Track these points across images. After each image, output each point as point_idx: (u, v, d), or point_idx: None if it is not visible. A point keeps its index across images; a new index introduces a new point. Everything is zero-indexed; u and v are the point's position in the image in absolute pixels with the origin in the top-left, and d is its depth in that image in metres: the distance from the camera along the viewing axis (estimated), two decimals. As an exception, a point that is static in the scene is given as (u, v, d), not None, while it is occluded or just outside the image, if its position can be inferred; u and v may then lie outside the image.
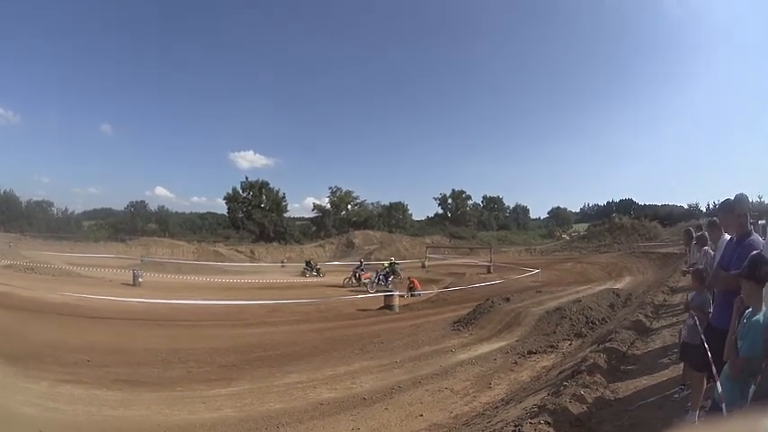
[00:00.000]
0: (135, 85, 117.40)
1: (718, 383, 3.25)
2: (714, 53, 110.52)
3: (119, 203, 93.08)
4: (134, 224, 75.31)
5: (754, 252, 3.45)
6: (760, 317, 3.05)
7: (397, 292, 21.57)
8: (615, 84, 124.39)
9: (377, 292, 24.38)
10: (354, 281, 29.10)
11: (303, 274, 36.74)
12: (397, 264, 30.15)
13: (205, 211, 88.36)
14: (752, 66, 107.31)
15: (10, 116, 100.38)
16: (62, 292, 17.96)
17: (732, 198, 4.34)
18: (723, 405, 3.06)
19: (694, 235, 9.20)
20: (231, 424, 7.07)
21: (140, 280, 25.07)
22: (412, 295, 23.75)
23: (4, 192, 69.62)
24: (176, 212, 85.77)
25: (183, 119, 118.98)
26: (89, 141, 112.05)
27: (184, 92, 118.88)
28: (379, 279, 27.75)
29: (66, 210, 78.21)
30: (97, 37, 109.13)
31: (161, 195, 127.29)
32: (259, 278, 33.52)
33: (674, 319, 9.73)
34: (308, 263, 39.65)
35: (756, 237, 4.11)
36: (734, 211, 4.23)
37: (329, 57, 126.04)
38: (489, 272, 35.67)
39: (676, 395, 5.21)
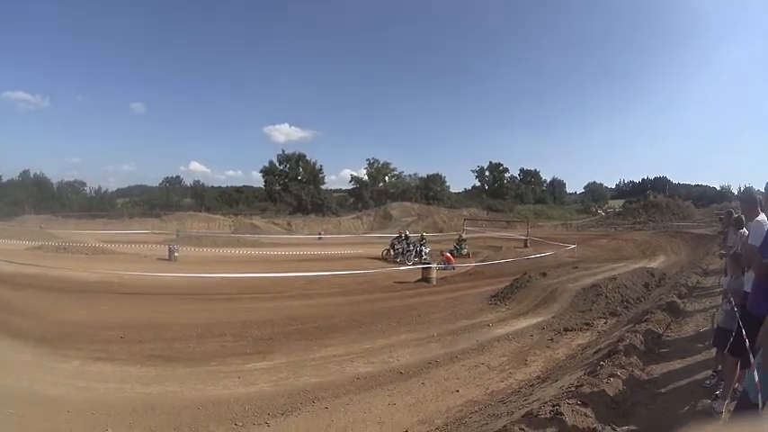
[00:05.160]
0: (165, 61, 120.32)
1: (755, 373, 3.20)
2: (753, 34, 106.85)
3: (153, 180, 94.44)
4: (169, 199, 76.60)
5: None
6: None
7: (435, 265, 21.76)
8: (652, 62, 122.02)
9: (414, 264, 24.61)
10: (393, 253, 29.29)
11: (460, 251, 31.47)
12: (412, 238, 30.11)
13: (241, 185, 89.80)
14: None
15: (38, 101, 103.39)
16: (95, 270, 18.22)
17: None
18: (759, 396, 3.03)
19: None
20: (266, 399, 7.05)
21: (176, 255, 25.51)
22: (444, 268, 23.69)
23: (35, 175, 72.04)
24: (212, 187, 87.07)
25: (216, 93, 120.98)
26: (120, 120, 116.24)
27: (215, 65, 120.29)
28: (395, 248, 28.81)
29: (100, 188, 79.94)
30: (125, 14, 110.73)
31: (196, 170, 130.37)
32: (299, 250, 33.82)
33: (708, 303, 9.66)
34: (460, 240, 33.81)
35: None
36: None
37: (365, 27, 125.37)
38: (526, 246, 35.55)
39: (707, 382, 5.22)
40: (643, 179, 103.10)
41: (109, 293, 15.17)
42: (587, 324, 11.19)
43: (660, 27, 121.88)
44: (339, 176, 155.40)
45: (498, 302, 14.28)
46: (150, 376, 7.97)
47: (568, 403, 4.33)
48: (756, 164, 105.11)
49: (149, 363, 8.67)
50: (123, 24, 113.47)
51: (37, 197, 68.06)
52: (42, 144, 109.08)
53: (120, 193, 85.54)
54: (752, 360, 3.52)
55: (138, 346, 9.68)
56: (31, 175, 72.18)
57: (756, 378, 3.13)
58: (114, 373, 8.05)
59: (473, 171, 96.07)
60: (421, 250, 27.80)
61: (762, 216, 4.57)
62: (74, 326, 10.88)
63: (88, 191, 78.39)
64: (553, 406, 4.34)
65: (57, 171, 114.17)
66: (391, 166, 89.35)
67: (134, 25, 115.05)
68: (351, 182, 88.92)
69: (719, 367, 5.11)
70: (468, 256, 29.78)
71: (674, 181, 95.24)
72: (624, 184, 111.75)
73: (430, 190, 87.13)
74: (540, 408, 4.47)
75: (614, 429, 4.06)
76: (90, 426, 6.04)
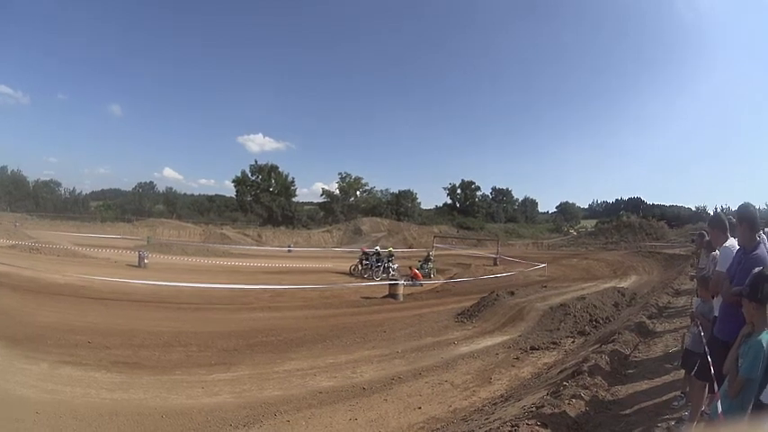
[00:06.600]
0: (145, 66, 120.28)
1: (719, 403, 3.09)
2: (730, 57, 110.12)
3: (127, 184, 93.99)
4: (141, 205, 76.67)
5: (756, 270, 3.27)
6: (763, 337, 2.90)
7: (402, 281, 21.59)
8: (628, 84, 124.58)
9: (381, 280, 24.45)
10: (360, 268, 29.03)
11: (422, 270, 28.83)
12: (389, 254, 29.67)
13: (213, 194, 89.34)
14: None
15: (20, 96, 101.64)
16: (66, 273, 18.04)
17: (740, 207, 4.20)
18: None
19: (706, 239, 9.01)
20: (228, 410, 7.03)
21: (146, 261, 25.10)
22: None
23: (12, 172, 71.47)
24: (184, 194, 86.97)
25: (193, 101, 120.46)
26: (99, 122, 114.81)
27: (194, 74, 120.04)
28: (363, 263, 28.52)
29: (74, 190, 79.63)
30: (109, 17, 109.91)
31: (169, 177, 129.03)
32: (268, 262, 33.39)
33: (678, 323, 9.67)
34: (427, 259, 31.45)
35: (762, 250, 3.90)
36: (740, 221, 4.09)
37: (342, 43, 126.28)
38: (495, 264, 35.56)
39: (675, 403, 5.15)
40: (617, 200, 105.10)
41: (78, 297, 15.10)
42: (554, 343, 11.16)
43: (635, 48, 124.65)
44: (311, 189, 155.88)
45: (465, 320, 14.17)
46: (116, 383, 7.96)
47: (527, 424, 4.22)
48: (732, 184, 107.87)
49: (115, 369, 8.64)
50: (105, 27, 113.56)
51: (13, 195, 67.65)
52: (21, 141, 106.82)
53: (95, 195, 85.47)
54: (715, 388, 3.44)
55: (104, 351, 9.67)
56: (9, 171, 71.47)
57: (720, 409, 3.03)
58: (81, 377, 8.03)
59: (445, 188, 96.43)
60: (389, 266, 27.59)
61: (730, 241, 4.50)
62: (43, 328, 10.82)
63: (63, 192, 78.00)
64: (512, 426, 4.23)
65: (33, 169, 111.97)
66: (363, 181, 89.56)
67: (116, 28, 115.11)
68: (322, 195, 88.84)
69: (688, 389, 5.03)
70: (429, 276, 29.05)
71: (649, 202, 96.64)
72: (597, 204, 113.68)
73: (401, 206, 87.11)
74: (498, 428, 4.35)
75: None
76: (57, 428, 6.12)
